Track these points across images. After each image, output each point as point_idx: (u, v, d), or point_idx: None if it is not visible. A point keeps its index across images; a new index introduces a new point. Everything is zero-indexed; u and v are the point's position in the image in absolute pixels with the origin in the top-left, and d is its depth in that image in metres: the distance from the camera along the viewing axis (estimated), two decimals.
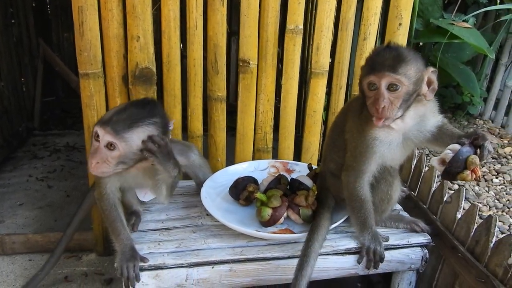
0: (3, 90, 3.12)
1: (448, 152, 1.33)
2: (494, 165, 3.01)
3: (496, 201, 2.65)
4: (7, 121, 3.16)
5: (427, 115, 1.48)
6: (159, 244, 1.54)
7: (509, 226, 2.41)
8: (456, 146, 1.33)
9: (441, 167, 1.34)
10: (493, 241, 1.44)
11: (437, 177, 1.81)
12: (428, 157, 3.11)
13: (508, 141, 3.37)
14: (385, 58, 1.35)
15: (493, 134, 3.48)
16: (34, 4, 3.68)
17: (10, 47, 3.23)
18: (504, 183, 2.83)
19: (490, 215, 1.46)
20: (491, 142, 1.39)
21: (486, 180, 2.86)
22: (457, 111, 3.75)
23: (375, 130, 1.45)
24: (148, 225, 1.66)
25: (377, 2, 1.92)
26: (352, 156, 1.51)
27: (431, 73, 1.40)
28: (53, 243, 2.08)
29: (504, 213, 2.54)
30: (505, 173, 2.90)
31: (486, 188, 2.78)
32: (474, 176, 1.29)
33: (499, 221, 2.45)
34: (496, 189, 2.75)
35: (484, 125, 3.64)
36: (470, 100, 3.59)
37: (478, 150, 1.31)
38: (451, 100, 3.71)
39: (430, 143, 1.53)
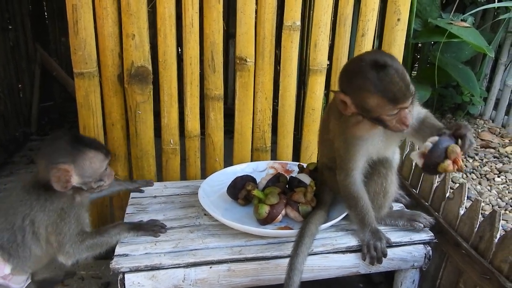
0: (0, 95, 3.10)
1: (428, 145, 1.30)
2: (496, 164, 2.99)
3: (499, 199, 2.62)
4: (4, 126, 3.14)
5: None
6: (155, 244, 1.51)
7: None
8: (436, 138, 1.30)
9: (421, 160, 1.31)
10: (498, 236, 1.41)
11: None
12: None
13: (509, 140, 3.34)
14: (398, 86, 1.29)
15: (494, 134, 3.45)
16: (31, 9, 3.67)
17: (7, 52, 3.22)
18: (506, 181, 2.80)
19: (493, 209, 1.43)
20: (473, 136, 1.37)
21: (488, 179, 2.84)
22: (457, 111, 3.72)
23: (355, 129, 1.44)
24: None
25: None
26: (338, 156, 1.51)
27: None
28: None
29: (507, 212, 2.51)
30: (507, 172, 2.87)
31: (489, 187, 2.75)
32: (456, 166, 1.26)
33: (502, 219, 2.42)
34: (498, 188, 2.72)
35: (485, 125, 3.62)
36: (470, 100, 3.56)
37: (460, 141, 1.29)
38: (451, 100, 3.69)
39: (412, 136, 1.52)
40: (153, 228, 1.56)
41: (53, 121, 3.89)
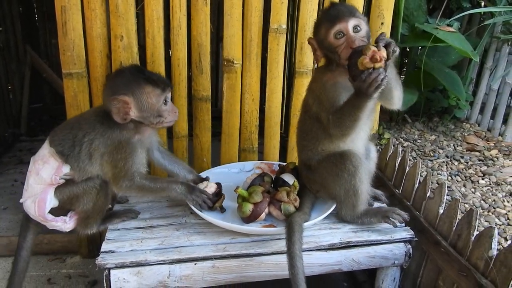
0: None
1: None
2: (481, 167, 3.04)
3: (482, 201, 2.67)
4: None
5: None
6: (141, 241, 1.53)
7: (494, 225, 2.43)
8: None
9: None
10: (474, 234, 1.45)
11: (419, 174, 1.83)
12: (411, 155, 3.13)
13: (494, 144, 3.40)
14: (340, 10, 1.49)
15: (480, 137, 3.51)
16: (21, 11, 3.68)
17: None
18: (490, 184, 2.85)
19: (471, 208, 1.47)
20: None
21: (472, 182, 2.89)
22: (444, 115, 3.78)
23: (333, 78, 1.55)
24: (131, 223, 1.65)
25: (358, 1, 1.95)
26: (324, 112, 1.55)
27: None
28: (37, 245, 2.04)
29: (490, 213, 2.56)
30: (491, 174, 2.93)
31: (473, 189, 2.80)
32: (373, 61, 1.34)
33: (485, 221, 2.47)
34: (482, 190, 2.77)
35: (471, 129, 3.68)
36: (456, 104, 3.62)
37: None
38: (438, 104, 3.75)
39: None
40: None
41: (42, 122, 3.90)
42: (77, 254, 2.11)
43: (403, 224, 1.64)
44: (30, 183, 1.62)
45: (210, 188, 1.68)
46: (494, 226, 2.43)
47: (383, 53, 1.35)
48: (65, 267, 2.04)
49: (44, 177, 1.56)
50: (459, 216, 1.54)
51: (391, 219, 1.61)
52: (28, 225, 1.71)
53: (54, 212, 1.60)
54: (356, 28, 1.47)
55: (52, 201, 1.57)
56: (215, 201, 1.65)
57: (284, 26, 1.93)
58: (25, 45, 3.65)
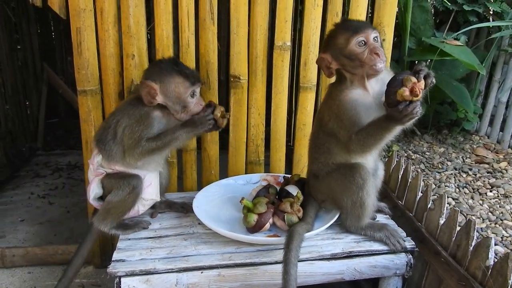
0: (8, 112, 3.23)
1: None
2: (489, 179, 3.05)
3: (490, 213, 2.68)
4: (11, 141, 3.27)
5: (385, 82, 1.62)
6: (150, 251, 1.60)
7: (501, 238, 2.44)
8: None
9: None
10: (473, 244, 1.48)
11: (421, 185, 1.87)
12: (412, 164, 3.15)
13: (503, 156, 3.41)
14: (360, 22, 1.63)
15: (489, 150, 3.52)
16: (39, 30, 3.83)
17: (15, 70, 3.36)
18: (498, 196, 2.86)
19: (469, 219, 1.51)
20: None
21: (480, 194, 2.90)
22: (453, 128, 3.80)
23: (350, 93, 1.60)
24: (141, 234, 1.72)
25: (360, 18, 2.01)
26: (343, 130, 1.60)
27: None
28: (52, 256, 2.14)
29: (497, 225, 2.57)
30: (499, 186, 2.94)
31: (481, 202, 2.81)
32: (413, 94, 1.36)
33: (493, 233, 2.48)
34: (490, 202, 2.79)
35: (480, 141, 3.69)
36: (464, 116, 3.64)
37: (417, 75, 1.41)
38: (447, 117, 3.77)
39: None
40: None
41: (58, 137, 4.03)
42: (90, 264, 2.18)
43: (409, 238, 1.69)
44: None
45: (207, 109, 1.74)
46: (501, 237, 2.46)
47: (422, 85, 1.39)
48: (79, 276, 2.11)
49: (91, 168, 1.77)
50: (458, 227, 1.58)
51: (392, 243, 1.65)
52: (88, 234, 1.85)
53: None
54: (375, 39, 1.56)
55: (95, 190, 1.75)
56: (218, 117, 1.71)
57: (288, 43, 2.00)
58: (42, 63, 3.80)
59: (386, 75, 1.61)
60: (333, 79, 1.72)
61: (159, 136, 1.65)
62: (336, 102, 1.62)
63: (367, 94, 1.61)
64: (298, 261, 1.55)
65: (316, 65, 2.05)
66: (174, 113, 1.68)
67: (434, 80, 1.47)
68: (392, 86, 1.40)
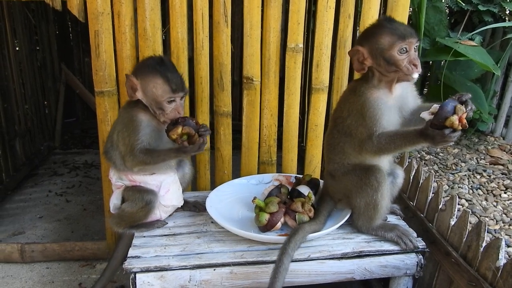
0: (27, 111, 3.31)
1: (436, 106, 1.46)
2: (504, 181, 3.03)
3: (504, 215, 2.66)
4: (30, 140, 3.35)
5: (408, 90, 1.70)
6: (165, 248, 1.64)
7: None
8: (437, 106, 1.46)
9: (430, 116, 1.46)
10: (483, 245, 1.49)
11: (432, 186, 1.88)
12: (425, 165, 3.15)
13: None
14: (406, 28, 1.57)
15: (504, 151, 3.49)
16: (57, 32, 3.92)
17: (34, 71, 3.44)
18: None
19: (479, 220, 1.52)
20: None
21: (494, 195, 2.88)
22: (468, 129, 3.76)
23: (375, 93, 1.61)
24: (155, 232, 1.77)
25: (373, 20, 2.00)
26: (362, 127, 1.62)
27: None
28: (69, 252, 2.20)
29: (511, 227, 2.55)
30: None
31: (494, 203, 2.80)
32: (461, 124, 1.39)
33: (506, 235, 2.47)
34: (504, 204, 2.77)
35: (495, 142, 3.66)
36: (479, 117, 3.61)
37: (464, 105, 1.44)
38: None
39: (411, 121, 1.68)
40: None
41: (75, 136, 4.11)
42: (106, 260, 2.23)
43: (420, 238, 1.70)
44: None
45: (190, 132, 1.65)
46: (502, 238, 2.43)
47: (465, 114, 1.42)
48: (95, 272, 2.17)
49: (111, 182, 1.85)
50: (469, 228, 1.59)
51: (404, 242, 1.66)
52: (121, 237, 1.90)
53: None
54: (415, 48, 1.57)
55: (113, 201, 1.81)
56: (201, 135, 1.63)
57: (301, 45, 2.03)
58: (60, 63, 3.88)
59: (407, 83, 1.66)
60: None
61: (153, 153, 1.66)
62: (362, 98, 1.62)
63: (391, 96, 1.64)
64: (309, 259, 1.60)
65: (328, 67, 2.09)
66: (154, 113, 1.68)
67: (471, 113, 1.47)
68: (445, 111, 1.41)
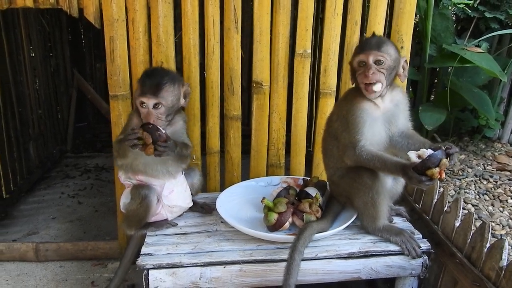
0: (40, 115, 3.39)
1: (425, 151, 1.52)
2: (510, 186, 3.04)
3: (510, 220, 2.68)
4: (43, 144, 3.42)
5: (400, 108, 1.75)
6: (176, 246, 1.69)
7: None
8: (429, 151, 1.52)
9: (417, 160, 1.52)
10: (487, 246, 1.53)
11: (438, 189, 1.91)
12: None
13: None
14: (371, 41, 1.68)
15: (511, 157, 3.51)
16: (70, 38, 4.00)
17: (47, 76, 3.53)
18: None
19: (483, 221, 1.55)
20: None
21: (501, 201, 2.90)
22: (475, 135, 3.79)
23: (362, 102, 1.69)
24: (167, 230, 1.82)
25: (379, 27, 2.08)
26: (345, 132, 1.70)
27: (405, 61, 1.73)
28: (82, 251, 2.26)
29: None
30: None
31: (501, 208, 2.81)
32: (439, 176, 1.47)
33: (511, 239, 2.49)
34: (510, 209, 2.79)
35: (502, 148, 3.67)
36: (486, 123, 3.63)
37: (449, 158, 1.52)
38: (468, 124, 3.76)
39: (398, 143, 1.75)
40: None
41: (86, 140, 4.19)
42: (117, 260, 2.29)
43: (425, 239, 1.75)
44: None
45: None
46: (505, 238, 2.45)
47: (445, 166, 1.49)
48: (107, 271, 2.22)
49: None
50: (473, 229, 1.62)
51: (408, 249, 1.68)
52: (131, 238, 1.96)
53: None
54: (378, 62, 1.64)
55: (123, 200, 1.89)
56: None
57: (309, 51, 2.09)
58: (73, 69, 3.96)
59: (398, 94, 1.75)
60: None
61: (122, 152, 1.75)
62: (348, 104, 1.71)
63: (377, 108, 1.70)
64: (317, 258, 1.63)
65: (336, 72, 2.14)
66: None
67: (454, 163, 1.58)
68: (430, 162, 1.48)
